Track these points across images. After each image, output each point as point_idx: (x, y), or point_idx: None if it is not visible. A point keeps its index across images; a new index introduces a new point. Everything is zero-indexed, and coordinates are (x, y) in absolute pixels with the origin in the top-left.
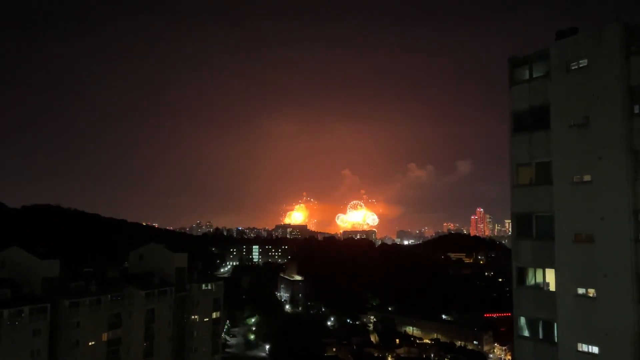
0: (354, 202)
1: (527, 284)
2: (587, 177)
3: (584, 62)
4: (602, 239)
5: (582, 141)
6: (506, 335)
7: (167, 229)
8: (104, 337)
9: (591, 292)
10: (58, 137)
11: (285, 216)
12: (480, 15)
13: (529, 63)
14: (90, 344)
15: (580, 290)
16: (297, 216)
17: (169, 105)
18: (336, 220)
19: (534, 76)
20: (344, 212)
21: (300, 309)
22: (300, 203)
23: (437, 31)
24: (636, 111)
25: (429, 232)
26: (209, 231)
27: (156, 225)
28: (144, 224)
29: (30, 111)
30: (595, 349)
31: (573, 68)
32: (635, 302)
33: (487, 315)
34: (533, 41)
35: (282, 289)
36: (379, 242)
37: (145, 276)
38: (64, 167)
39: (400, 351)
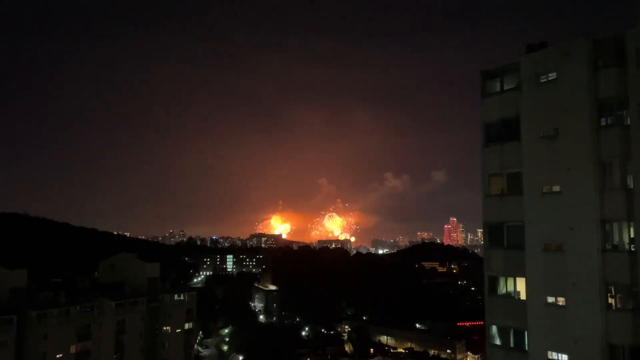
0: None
1: (499, 292)
2: (556, 188)
3: (553, 76)
4: (571, 248)
5: (552, 152)
6: (479, 343)
7: (139, 238)
8: (73, 349)
9: (561, 300)
10: (24, 144)
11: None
12: (455, 28)
13: (500, 75)
14: (58, 356)
15: (550, 299)
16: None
17: (139, 113)
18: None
19: (505, 88)
20: (319, 222)
21: (274, 319)
22: (276, 214)
23: (412, 43)
24: (603, 123)
25: (403, 242)
26: (182, 240)
27: (128, 234)
28: (115, 233)
29: None
30: (564, 357)
31: (543, 81)
32: (603, 310)
33: (460, 324)
34: (505, 53)
35: (256, 299)
36: (354, 252)
37: (116, 286)
38: (31, 174)
39: None
